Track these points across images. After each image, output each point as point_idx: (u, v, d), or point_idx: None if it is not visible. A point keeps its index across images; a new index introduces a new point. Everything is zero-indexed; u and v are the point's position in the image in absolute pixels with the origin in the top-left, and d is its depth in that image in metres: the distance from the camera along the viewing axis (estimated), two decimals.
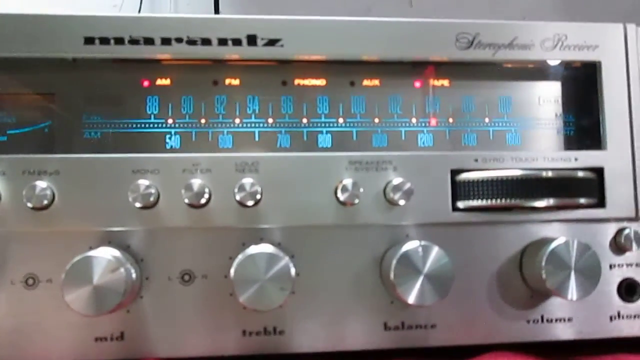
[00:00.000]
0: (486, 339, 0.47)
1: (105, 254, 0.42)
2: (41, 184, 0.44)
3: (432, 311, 0.47)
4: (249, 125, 0.49)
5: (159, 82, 0.49)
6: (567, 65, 0.51)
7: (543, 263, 0.44)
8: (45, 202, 0.44)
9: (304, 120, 0.49)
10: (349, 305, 0.46)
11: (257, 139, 0.49)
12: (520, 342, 0.48)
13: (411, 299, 0.43)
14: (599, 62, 0.50)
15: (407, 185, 0.45)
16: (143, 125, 0.48)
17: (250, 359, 0.46)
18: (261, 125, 0.49)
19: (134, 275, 0.43)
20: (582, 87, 0.51)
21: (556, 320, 0.48)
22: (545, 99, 0.52)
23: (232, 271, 0.43)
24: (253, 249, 0.43)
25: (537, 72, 0.52)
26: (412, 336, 0.47)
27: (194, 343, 0.45)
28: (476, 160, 0.47)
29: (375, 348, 0.47)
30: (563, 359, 0.46)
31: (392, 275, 0.43)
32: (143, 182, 0.44)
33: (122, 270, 0.42)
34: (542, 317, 0.48)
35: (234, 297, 0.45)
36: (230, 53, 0.47)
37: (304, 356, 0.46)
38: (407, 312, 0.47)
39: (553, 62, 0.51)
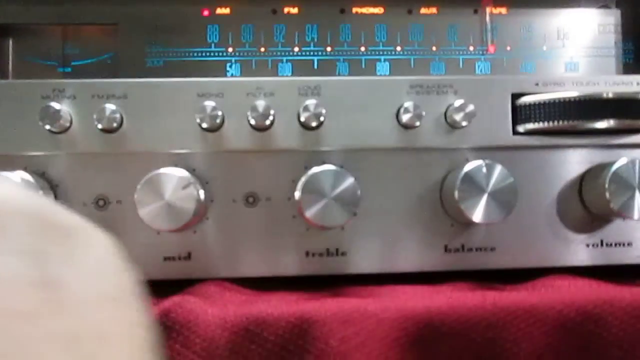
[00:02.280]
0: (545, 262, 0.48)
1: (175, 172, 0.43)
2: (110, 106, 0.45)
3: (492, 234, 0.47)
4: (307, 53, 0.49)
5: (219, 11, 0.50)
6: None
7: (606, 184, 0.44)
8: (115, 124, 0.45)
9: (362, 49, 0.50)
10: (410, 227, 0.47)
11: (315, 67, 0.49)
12: (580, 265, 0.48)
13: (476, 217, 0.43)
14: None
15: (470, 107, 0.45)
16: (204, 54, 0.49)
17: (310, 280, 0.47)
18: (320, 53, 0.49)
19: (202, 196, 0.44)
20: None
21: (616, 244, 0.48)
22: (605, 26, 0.51)
23: (298, 190, 0.43)
24: (318, 169, 0.44)
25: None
26: (471, 258, 0.47)
27: (257, 264, 0.47)
28: (537, 84, 0.47)
29: (435, 270, 0.47)
30: (624, 283, 0.46)
31: (456, 195, 0.44)
32: (209, 104, 0.44)
33: (192, 187, 0.43)
34: (601, 242, 0.48)
35: (297, 219, 0.46)
36: None
37: (365, 277, 0.47)
38: (467, 235, 0.47)
39: None
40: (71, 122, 0.45)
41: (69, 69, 0.49)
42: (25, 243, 0.20)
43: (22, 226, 0.21)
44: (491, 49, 0.49)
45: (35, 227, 0.21)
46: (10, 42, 0.50)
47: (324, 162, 0.46)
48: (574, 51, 0.50)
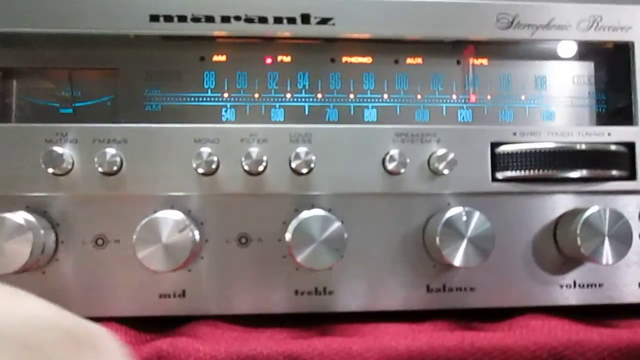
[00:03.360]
0: (521, 302, 0.51)
1: (172, 215, 0.45)
2: (111, 150, 0.47)
3: (472, 275, 0.50)
4: (299, 99, 0.52)
5: (216, 58, 0.52)
6: (601, 45, 0.54)
7: (578, 230, 0.47)
8: (115, 167, 0.47)
9: (351, 96, 0.52)
10: (394, 268, 0.50)
11: (306, 112, 0.52)
12: (553, 305, 0.51)
13: (457, 261, 0.46)
14: (632, 43, 0.52)
15: (451, 156, 0.48)
16: (200, 99, 0.52)
17: (299, 317, 0.50)
18: (311, 99, 0.52)
19: (197, 236, 0.47)
20: (615, 66, 0.54)
21: (588, 285, 0.51)
22: (579, 77, 0.55)
23: (289, 233, 0.46)
24: (307, 213, 0.46)
25: (572, 52, 0.54)
26: (452, 298, 0.50)
27: (249, 301, 0.49)
28: (514, 134, 0.50)
29: (418, 308, 0.50)
30: (594, 323, 0.49)
31: (437, 240, 0.46)
32: (206, 150, 0.47)
33: (188, 230, 0.45)
34: (574, 283, 0.51)
35: (287, 259, 0.49)
36: (284, 31, 0.50)
37: (350, 315, 0.49)
38: (449, 276, 0.50)
39: (588, 42, 0.53)
40: (73, 165, 0.47)
41: (70, 110, 0.52)
42: (61, 357, 0.23)
43: (56, 341, 0.23)
44: (473, 97, 0.52)
45: (67, 341, 0.24)
46: (14, 84, 0.52)
47: (313, 206, 0.49)
48: (550, 100, 0.53)
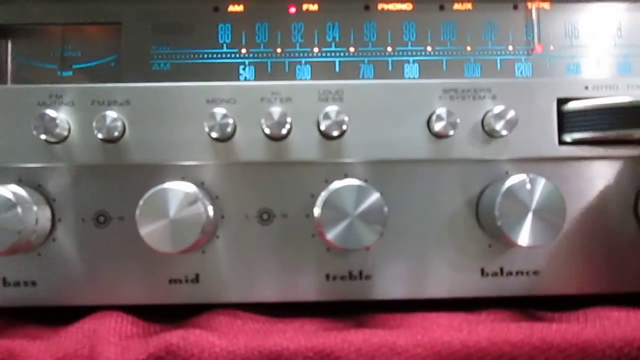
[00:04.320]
0: (595, 288, 0.43)
1: (181, 186, 0.39)
2: (111, 114, 0.41)
3: (535, 256, 0.42)
4: (328, 54, 0.45)
5: (232, 8, 0.45)
6: None
7: None
8: (116, 133, 0.41)
9: (389, 49, 0.45)
10: (442, 248, 0.42)
11: (337, 69, 0.45)
12: (636, 292, 0.43)
13: (521, 239, 0.38)
14: None
15: (511, 114, 0.40)
16: (215, 56, 0.45)
17: (330, 307, 0.43)
18: (342, 54, 0.45)
19: (211, 212, 0.40)
20: None
21: None
22: None
23: (318, 207, 0.39)
24: (339, 184, 0.39)
25: None
26: (511, 283, 0.42)
27: (272, 288, 0.42)
28: (586, 88, 0.42)
29: (471, 296, 0.42)
30: None
31: (496, 213, 0.39)
32: (220, 111, 0.40)
33: (200, 204, 0.38)
34: None
35: (316, 238, 0.42)
36: None
37: (391, 303, 0.42)
38: (507, 257, 0.42)
39: None
40: (69, 131, 0.41)
41: (70, 73, 0.46)
42: None
43: None
44: (533, 48, 0.44)
45: None
46: (9, 44, 0.46)
47: (346, 176, 0.42)
48: (626, 50, 0.45)
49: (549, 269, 0.42)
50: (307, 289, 0.42)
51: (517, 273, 0.42)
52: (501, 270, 0.42)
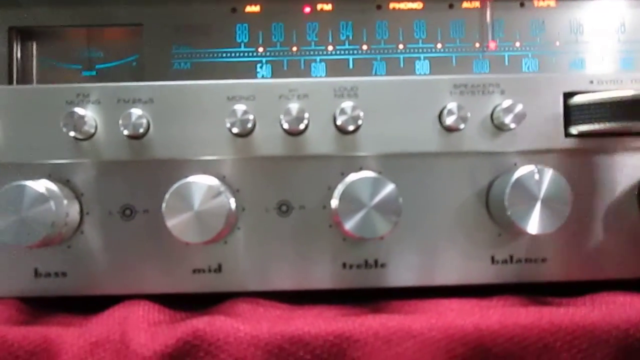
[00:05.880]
0: (602, 274, 0.44)
1: (205, 180, 0.41)
2: (136, 111, 0.42)
3: (543, 244, 0.44)
4: (342, 52, 0.47)
5: (248, 9, 0.47)
6: None
7: None
8: (141, 130, 0.42)
9: (400, 47, 0.47)
10: (454, 237, 0.44)
11: (351, 66, 0.47)
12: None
13: (530, 227, 0.40)
14: None
15: (519, 108, 0.42)
16: (233, 55, 0.47)
17: (347, 294, 0.45)
18: (355, 52, 0.47)
19: (233, 205, 0.42)
20: None
21: None
22: None
23: (335, 199, 0.41)
24: (355, 176, 0.41)
25: None
26: (520, 270, 0.44)
27: (291, 276, 0.44)
28: (591, 82, 0.44)
29: (481, 282, 0.44)
30: None
31: (505, 203, 0.40)
32: (240, 107, 0.42)
33: (223, 196, 0.40)
34: None
35: (333, 228, 0.43)
36: None
37: (405, 290, 0.44)
38: (516, 245, 0.44)
39: None
40: (96, 128, 0.43)
41: (93, 73, 0.47)
42: None
43: None
44: (538, 44, 0.46)
45: None
46: (34, 45, 0.48)
47: (361, 168, 0.44)
48: (630, 46, 0.46)
49: (557, 256, 0.44)
50: (324, 278, 0.44)
51: (525, 260, 0.44)
52: (511, 257, 0.44)
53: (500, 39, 0.46)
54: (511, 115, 0.42)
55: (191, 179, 0.41)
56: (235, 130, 0.42)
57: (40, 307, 0.44)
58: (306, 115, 0.42)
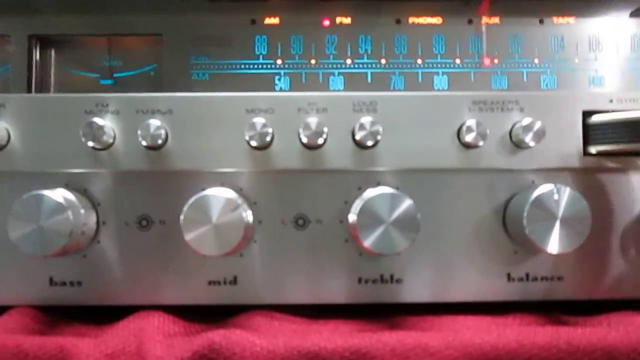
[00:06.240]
0: (617, 293, 0.44)
1: (223, 193, 0.41)
2: (155, 122, 0.42)
3: (559, 262, 0.44)
4: (361, 65, 0.47)
5: (268, 21, 0.47)
6: None
7: None
8: (160, 141, 0.42)
9: (419, 61, 0.47)
10: (470, 254, 0.44)
11: (369, 80, 0.47)
12: None
13: (550, 247, 0.40)
14: None
15: (538, 125, 0.42)
16: (252, 66, 0.47)
17: (363, 309, 0.45)
18: (374, 66, 0.47)
19: (250, 217, 0.42)
20: None
21: None
22: None
23: (353, 214, 0.41)
24: (373, 192, 0.41)
25: None
26: (536, 288, 0.44)
27: (307, 290, 0.44)
28: (611, 101, 0.44)
29: (497, 300, 0.44)
30: None
31: (524, 221, 0.40)
32: (259, 120, 0.42)
33: (241, 209, 0.40)
34: None
35: (349, 243, 0.43)
36: None
37: (421, 306, 0.44)
38: (532, 263, 0.44)
39: None
40: (114, 138, 0.43)
41: (111, 81, 0.48)
42: None
43: None
44: (557, 61, 0.46)
45: None
46: (53, 53, 0.48)
47: (378, 183, 0.44)
48: None
49: (573, 275, 0.44)
50: (340, 292, 0.44)
51: (542, 279, 0.44)
52: (527, 275, 0.44)
53: (519, 54, 0.46)
54: (531, 133, 0.42)
55: (209, 191, 0.41)
56: (253, 143, 0.42)
57: (55, 315, 0.44)
58: (325, 129, 0.42)
